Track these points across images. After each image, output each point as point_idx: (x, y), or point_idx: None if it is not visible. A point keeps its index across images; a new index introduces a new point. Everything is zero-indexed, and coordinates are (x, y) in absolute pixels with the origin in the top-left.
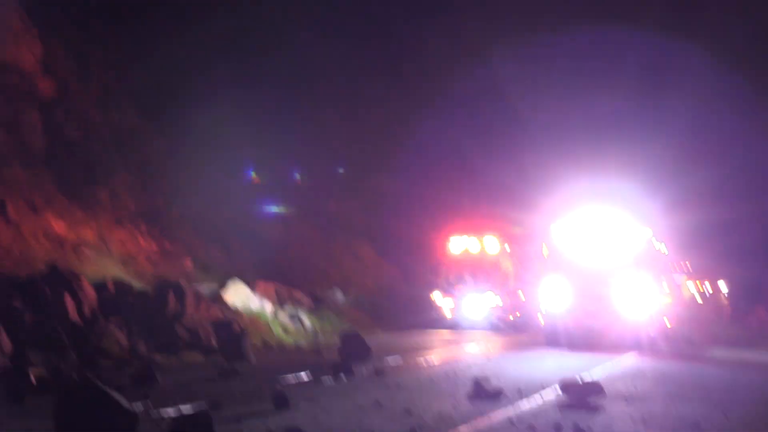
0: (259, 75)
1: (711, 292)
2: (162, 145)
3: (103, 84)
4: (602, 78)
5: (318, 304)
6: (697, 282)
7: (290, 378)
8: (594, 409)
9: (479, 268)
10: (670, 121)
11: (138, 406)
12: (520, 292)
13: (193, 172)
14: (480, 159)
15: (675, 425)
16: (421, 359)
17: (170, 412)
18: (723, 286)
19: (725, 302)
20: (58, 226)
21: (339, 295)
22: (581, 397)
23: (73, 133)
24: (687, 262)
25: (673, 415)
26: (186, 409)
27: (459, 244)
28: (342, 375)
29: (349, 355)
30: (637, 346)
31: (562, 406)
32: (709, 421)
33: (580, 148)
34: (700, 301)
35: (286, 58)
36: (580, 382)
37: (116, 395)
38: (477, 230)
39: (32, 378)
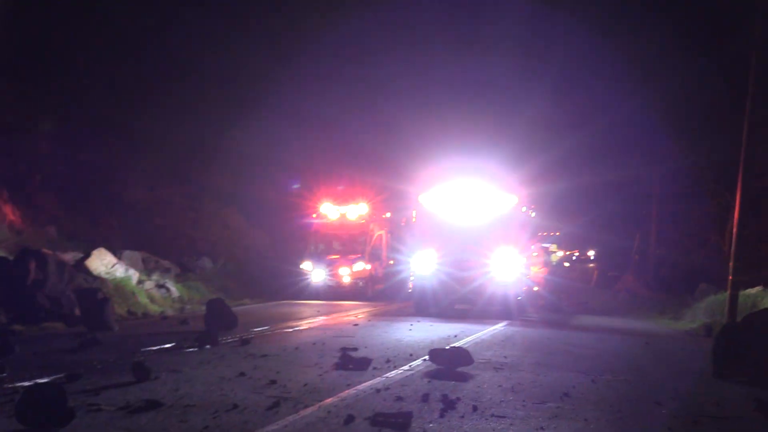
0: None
1: (580, 259)
2: (26, 112)
3: None
4: (473, 52)
5: (186, 273)
6: (566, 251)
7: (154, 348)
8: (463, 378)
9: (350, 237)
10: (538, 93)
11: None
12: (391, 260)
13: (58, 139)
14: (353, 127)
15: (544, 393)
16: (289, 329)
17: (25, 384)
18: (591, 254)
19: (593, 270)
20: None
21: (207, 264)
22: (450, 366)
23: None
24: (556, 231)
25: (542, 383)
26: (41, 380)
27: (330, 212)
28: (207, 345)
29: (216, 325)
30: (506, 312)
31: (431, 376)
32: (578, 389)
33: (450, 122)
34: (567, 266)
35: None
36: (449, 351)
37: None
38: (348, 198)
39: None
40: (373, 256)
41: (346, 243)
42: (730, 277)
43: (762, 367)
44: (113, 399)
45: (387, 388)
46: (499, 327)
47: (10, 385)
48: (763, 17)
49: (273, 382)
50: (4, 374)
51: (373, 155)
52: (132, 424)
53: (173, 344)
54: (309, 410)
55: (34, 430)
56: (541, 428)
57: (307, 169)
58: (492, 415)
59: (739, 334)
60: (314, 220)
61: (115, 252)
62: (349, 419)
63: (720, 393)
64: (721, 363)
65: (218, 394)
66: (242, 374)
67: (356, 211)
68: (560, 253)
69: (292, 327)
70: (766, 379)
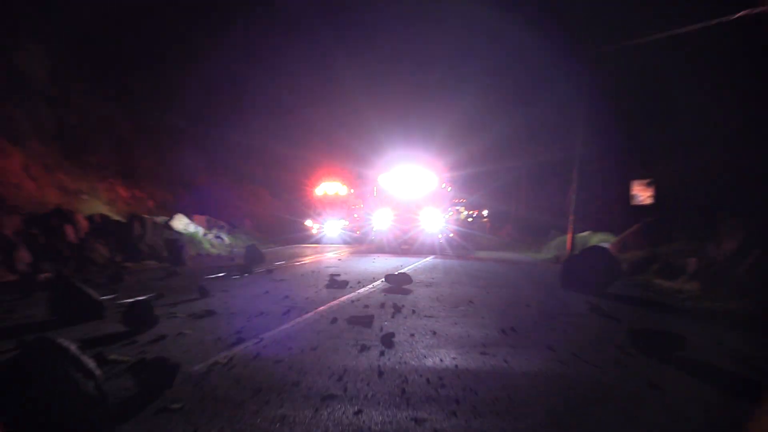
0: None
1: (478, 216)
2: (130, 125)
3: (90, 85)
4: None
5: (233, 228)
6: (480, 214)
7: (212, 276)
8: (406, 292)
9: (335, 204)
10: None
11: (108, 298)
12: (361, 219)
13: (154, 142)
14: (335, 130)
15: (457, 301)
16: (298, 263)
17: (129, 300)
18: (485, 213)
19: (487, 223)
20: (65, 181)
21: (247, 222)
22: (398, 284)
23: (72, 119)
24: (464, 199)
25: (456, 295)
26: (139, 298)
27: (322, 188)
28: (245, 274)
29: (251, 261)
30: (432, 250)
31: (386, 291)
32: (478, 298)
33: (400, 122)
34: (474, 222)
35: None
36: (397, 275)
37: (90, 290)
38: (333, 179)
39: (39, 280)
40: (350, 216)
41: (333, 208)
42: (570, 225)
43: (587, 282)
44: (185, 309)
45: (358, 300)
46: (428, 260)
47: (119, 302)
48: None
49: (286, 296)
50: (117, 294)
51: (348, 148)
52: (196, 325)
53: (224, 273)
54: (309, 315)
55: (134, 329)
56: (456, 323)
57: (308, 159)
58: (425, 316)
59: (574, 261)
60: (313, 193)
61: (189, 215)
62: (334, 320)
63: (566, 299)
64: (565, 280)
65: (251, 305)
66: (267, 292)
67: (339, 187)
68: (466, 213)
69: (299, 261)
70: (590, 289)
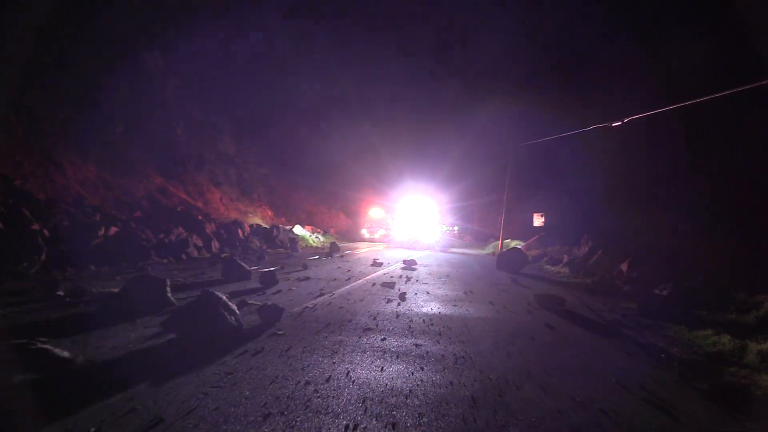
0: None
1: (452, 229)
2: (276, 178)
3: (255, 155)
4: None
5: (325, 232)
6: (453, 228)
7: (310, 258)
8: (413, 270)
9: (378, 220)
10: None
11: (254, 268)
12: (392, 227)
13: (287, 187)
14: (372, 171)
15: (440, 275)
16: (357, 252)
17: (264, 270)
18: (456, 228)
19: (456, 233)
20: (240, 207)
21: (332, 230)
22: (409, 265)
23: (245, 174)
24: (445, 218)
25: (439, 271)
26: (269, 269)
27: (371, 211)
28: (329, 257)
29: (332, 251)
30: (429, 247)
31: (403, 268)
32: (452, 274)
33: (411, 164)
34: (449, 233)
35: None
36: (409, 260)
37: (243, 263)
38: (376, 205)
39: (221, 257)
40: (387, 227)
41: (377, 223)
42: (501, 236)
43: (510, 266)
44: (294, 276)
45: (387, 273)
46: (426, 252)
47: (260, 270)
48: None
49: (349, 270)
50: (259, 266)
51: (384, 184)
52: (299, 285)
53: (317, 257)
54: (360, 281)
55: (265, 286)
56: (439, 288)
57: (362, 193)
58: (422, 282)
59: (504, 255)
60: (366, 213)
61: (302, 225)
62: (373, 284)
63: (498, 275)
64: (499, 264)
65: (329, 275)
66: (339, 267)
67: (380, 211)
68: (446, 227)
69: (358, 252)
70: (512, 270)
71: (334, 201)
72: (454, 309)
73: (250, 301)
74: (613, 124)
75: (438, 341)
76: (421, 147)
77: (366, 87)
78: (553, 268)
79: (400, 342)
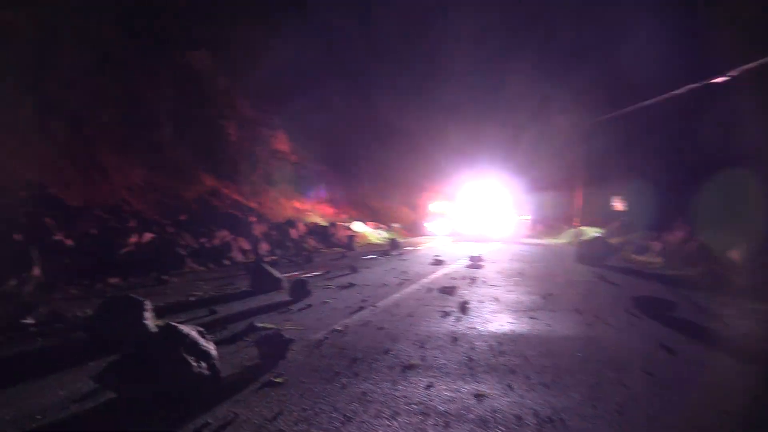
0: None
1: (525, 219)
2: (335, 174)
3: (310, 152)
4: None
5: (389, 228)
6: (524, 217)
7: (365, 258)
8: (480, 267)
9: (444, 212)
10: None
11: (294, 273)
12: (458, 221)
13: (347, 183)
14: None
15: (512, 273)
16: (418, 248)
17: (302, 275)
18: (528, 217)
19: (528, 222)
20: (297, 204)
21: (395, 225)
22: (475, 262)
23: (301, 172)
24: (521, 209)
25: (511, 268)
26: (301, 277)
27: (433, 203)
28: (386, 256)
29: (391, 247)
30: (499, 240)
31: (468, 267)
32: (525, 270)
33: (480, 150)
34: (521, 222)
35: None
36: (476, 256)
37: (274, 271)
38: (439, 196)
39: (267, 260)
40: (449, 219)
41: (440, 215)
42: (576, 223)
43: (593, 258)
44: (337, 282)
45: (448, 273)
46: (496, 245)
47: (303, 276)
48: None
49: (404, 271)
50: (303, 270)
51: (445, 172)
52: (338, 295)
53: (374, 256)
54: (414, 286)
55: (295, 299)
56: (511, 291)
57: (426, 186)
58: (490, 284)
59: (584, 245)
60: (428, 207)
61: (364, 222)
62: (429, 290)
63: (580, 270)
64: (579, 257)
65: (379, 279)
66: (393, 269)
67: (442, 202)
68: (517, 217)
69: (420, 247)
70: (595, 263)
71: (398, 194)
72: (531, 323)
73: (260, 324)
74: (717, 80)
75: (510, 386)
76: (491, 132)
77: (432, 69)
78: (641, 258)
79: (454, 390)
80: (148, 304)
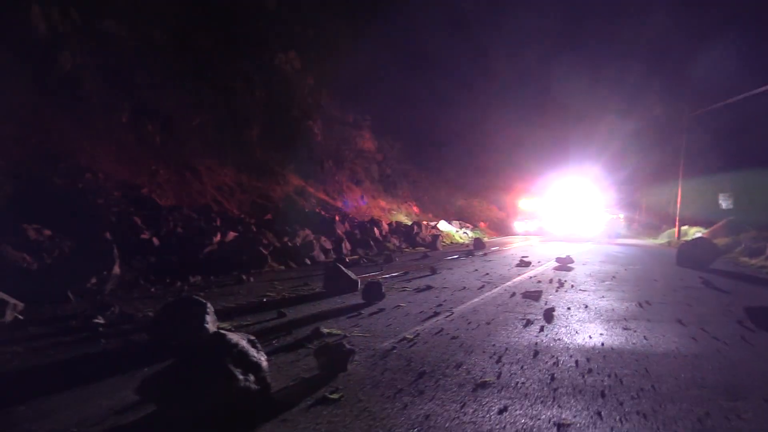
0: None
1: (619, 218)
2: (421, 173)
3: (397, 152)
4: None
5: (474, 227)
6: (618, 216)
7: (449, 258)
8: (569, 269)
9: (532, 211)
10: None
11: (373, 274)
12: (548, 220)
13: (433, 183)
14: (525, 160)
15: (604, 276)
16: (505, 248)
17: (379, 277)
18: (622, 216)
19: (622, 221)
20: (383, 204)
21: (482, 224)
22: (564, 264)
23: (387, 170)
24: (610, 205)
25: (603, 271)
26: (373, 280)
27: (522, 201)
28: (469, 256)
29: (476, 247)
30: (591, 240)
31: (555, 269)
32: (619, 273)
33: (571, 147)
34: (614, 221)
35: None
36: (564, 258)
37: (350, 272)
38: (527, 194)
39: (347, 260)
40: (539, 218)
41: (530, 213)
42: (677, 223)
43: (696, 261)
44: (415, 284)
45: (535, 276)
46: (587, 246)
47: (380, 277)
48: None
49: (487, 273)
50: (382, 271)
51: (535, 173)
52: (413, 299)
53: (457, 256)
54: (496, 290)
55: (367, 302)
56: (603, 297)
57: (513, 187)
58: (579, 290)
59: (686, 246)
60: (517, 205)
61: (449, 221)
62: (513, 294)
63: (682, 274)
64: (680, 259)
65: (460, 281)
66: (476, 270)
67: (531, 200)
68: (610, 216)
69: (506, 247)
70: (699, 266)
71: (486, 193)
72: (625, 336)
73: (326, 330)
74: None
75: (599, 413)
76: (583, 128)
77: (518, 65)
78: (753, 262)
79: (532, 417)
80: (209, 307)
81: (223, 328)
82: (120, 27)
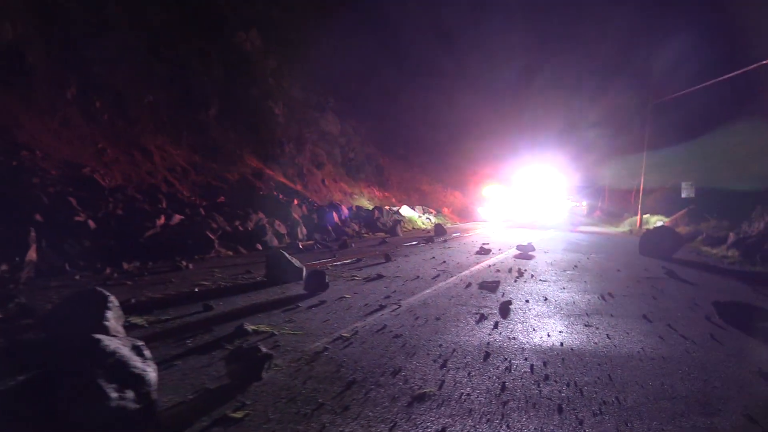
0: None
1: (579, 205)
2: (384, 157)
3: (361, 135)
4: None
5: (438, 213)
6: (581, 203)
7: (407, 244)
8: (530, 258)
9: (495, 197)
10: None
11: (323, 261)
12: (511, 207)
13: (396, 166)
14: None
15: (566, 266)
16: (466, 234)
17: (329, 264)
18: (584, 203)
19: (584, 209)
20: (344, 188)
21: (445, 209)
22: (525, 251)
23: (350, 154)
24: (572, 193)
25: (565, 260)
26: (316, 269)
27: (485, 188)
28: (429, 242)
29: (437, 233)
30: (554, 227)
31: (516, 257)
32: (581, 263)
33: (533, 134)
34: (577, 209)
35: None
36: (525, 245)
37: (294, 260)
38: (492, 181)
39: (300, 246)
40: (502, 204)
41: (492, 199)
42: (639, 210)
43: (659, 250)
44: (366, 272)
45: (494, 264)
46: (550, 233)
47: (331, 264)
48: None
49: (444, 261)
50: (334, 257)
51: (499, 157)
52: (360, 290)
53: (416, 242)
54: (451, 279)
55: (310, 293)
56: (564, 288)
57: (478, 170)
58: (540, 279)
59: (649, 235)
60: (481, 191)
61: (412, 206)
62: (468, 285)
63: (645, 264)
64: (642, 248)
65: (414, 270)
66: (433, 258)
67: (494, 187)
68: (573, 204)
69: (467, 234)
70: (661, 255)
71: (450, 179)
72: (586, 334)
73: (251, 327)
74: None
75: None
76: (546, 115)
77: (483, 52)
78: (715, 251)
79: None
80: (112, 300)
81: (134, 324)
82: None
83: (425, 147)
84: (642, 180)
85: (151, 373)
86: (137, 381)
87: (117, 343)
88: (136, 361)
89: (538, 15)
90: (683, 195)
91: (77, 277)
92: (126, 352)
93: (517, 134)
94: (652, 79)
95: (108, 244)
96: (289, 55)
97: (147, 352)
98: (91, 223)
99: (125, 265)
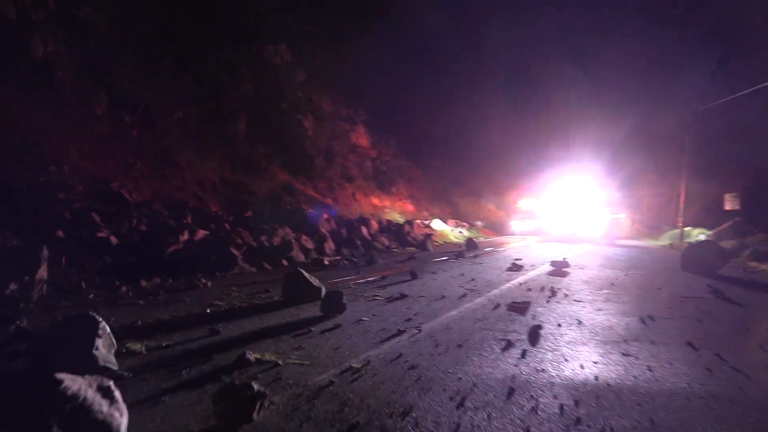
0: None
1: (620, 218)
2: (418, 170)
3: (392, 149)
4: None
5: (471, 226)
6: (619, 216)
7: (436, 260)
8: (564, 275)
9: (528, 211)
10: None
11: (346, 278)
12: (546, 220)
13: (431, 180)
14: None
15: (601, 283)
16: (499, 249)
17: (352, 282)
18: (623, 216)
19: (623, 221)
20: (375, 201)
21: (479, 223)
22: (559, 267)
23: (382, 167)
24: (610, 205)
25: (601, 277)
26: (333, 290)
27: (519, 201)
28: (459, 258)
29: (468, 248)
30: (590, 240)
31: (549, 274)
32: (619, 280)
33: (570, 146)
34: (615, 222)
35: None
36: (559, 261)
37: (313, 279)
38: (527, 195)
39: (326, 262)
40: (537, 218)
41: (527, 213)
42: (680, 223)
43: (702, 266)
44: (389, 291)
45: (525, 282)
46: (585, 247)
47: (354, 283)
48: None
49: (473, 279)
50: (359, 275)
51: (536, 174)
52: (380, 311)
53: (446, 258)
54: (479, 299)
55: (326, 315)
56: (600, 310)
57: (513, 186)
58: (574, 300)
59: (691, 249)
60: (516, 205)
61: (444, 220)
62: (497, 306)
63: (688, 281)
64: (684, 264)
65: (441, 288)
66: (462, 275)
67: (529, 201)
68: (611, 216)
69: (500, 248)
70: (706, 272)
71: (483, 192)
72: (625, 365)
73: (253, 357)
74: None
75: None
76: (584, 126)
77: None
78: (763, 267)
79: None
80: (103, 327)
81: (131, 351)
82: (98, 14)
83: (459, 159)
84: (682, 191)
85: (119, 419)
86: (99, 430)
87: (81, 383)
88: (101, 406)
89: (575, 30)
90: (726, 207)
91: (91, 295)
92: (90, 395)
93: (551, 146)
94: (693, 87)
95: (129, 260)
96: (318, 69)
97: (117, 394)
98: (113, 239)
99: (143, 283)
